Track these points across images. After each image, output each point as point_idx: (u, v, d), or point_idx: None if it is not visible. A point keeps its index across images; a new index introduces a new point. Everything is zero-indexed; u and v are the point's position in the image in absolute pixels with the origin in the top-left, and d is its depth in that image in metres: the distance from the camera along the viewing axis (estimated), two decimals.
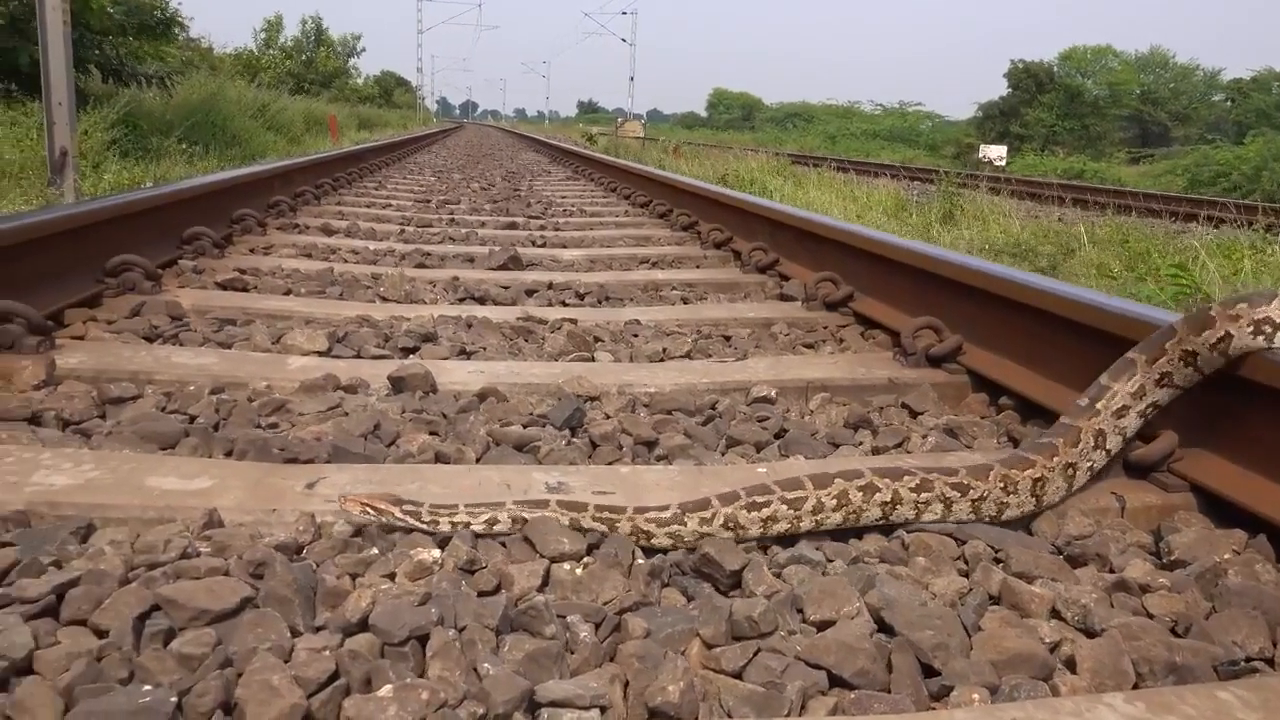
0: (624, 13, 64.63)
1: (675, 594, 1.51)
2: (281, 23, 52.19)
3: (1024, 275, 2.61)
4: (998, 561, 1.60)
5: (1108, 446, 1.84)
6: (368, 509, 1.59)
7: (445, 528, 1.60)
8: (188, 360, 2.57)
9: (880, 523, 1.71)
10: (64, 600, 1.34)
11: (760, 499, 1.63)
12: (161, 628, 1.29)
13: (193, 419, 2.16)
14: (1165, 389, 1.87)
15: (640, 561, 1.54)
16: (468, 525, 1.60)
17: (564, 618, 1.36)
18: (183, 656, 1.22)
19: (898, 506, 1.69)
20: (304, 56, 53.26)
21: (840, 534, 1.71)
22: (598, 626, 1.36)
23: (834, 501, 1.66)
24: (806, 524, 1.66)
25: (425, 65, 73.58)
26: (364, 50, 60.52)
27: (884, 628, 1.37)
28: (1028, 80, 60.23)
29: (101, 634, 1.29)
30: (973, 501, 1.72)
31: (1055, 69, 60.76)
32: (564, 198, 8.67)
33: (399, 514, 1.60)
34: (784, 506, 1.64)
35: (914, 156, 37.91)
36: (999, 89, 61.42)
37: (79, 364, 2.45)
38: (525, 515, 1.61)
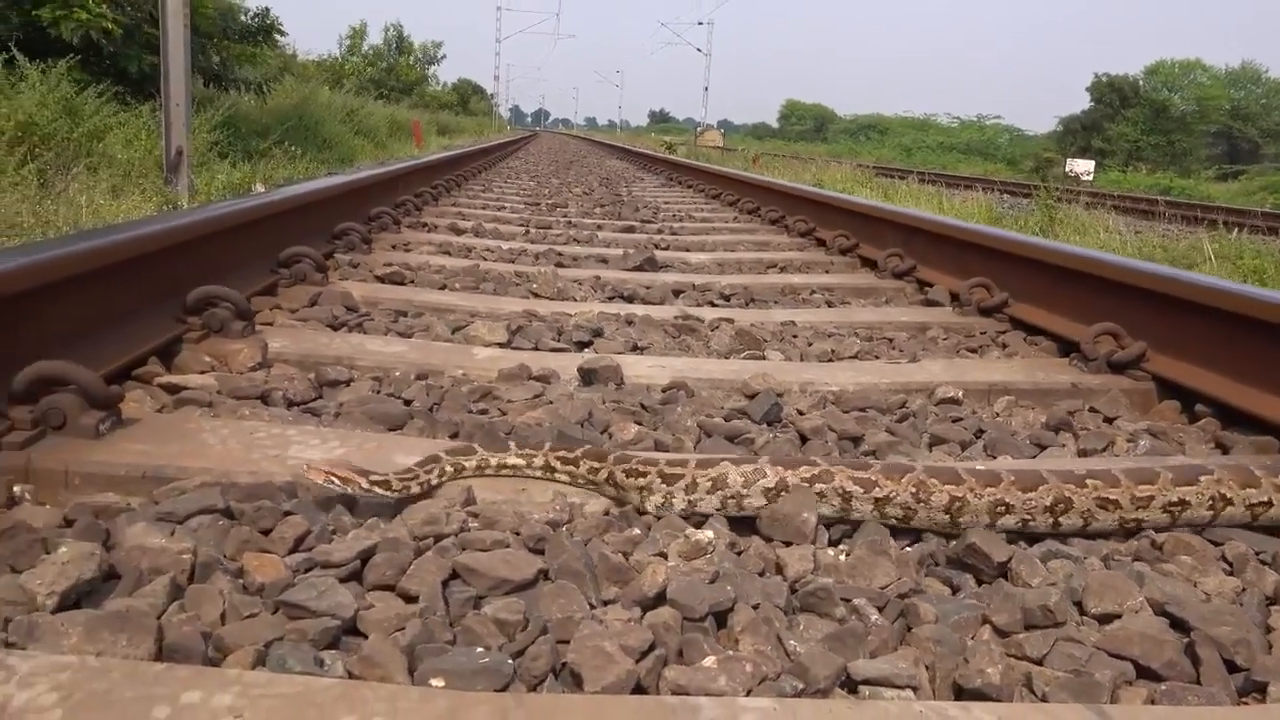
0: (700, 23, 64.69)
1: (935, 583, 1.51)
2: (365, 30, 53.31)
3: (1224, 282, 2.57)
4: (1263, 563, 1.58)
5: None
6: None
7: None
8: (382, 348, 2.64)
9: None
10: (367, 565, 1.39)
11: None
12: (468, 595, 1.34)
13: (408, 402, 2.22)
14: None
15: (909, 549, 1.56)
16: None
17: (849, 600, 1.37)
18: (499, 622, 1.27)
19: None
20: (384, 64, 54.24)
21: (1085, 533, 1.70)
22: (881, 609, 1.37)
23: None
24: None
25: (501, 74, 74.44)
26: (444, 58, 61.51)
27: (1174, 623, 1.36)
28: (1111, 94, 58.99)
29: (410, 599, 1.34)
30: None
31: (1140, 83, 59.42)
32: (667, 203, 8.71)
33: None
34: None
35: (995, 170, 37.31)
36: (1080, 103, 60.24)
37: (283, 348, 2.54)
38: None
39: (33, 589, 1.25)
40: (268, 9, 16.81)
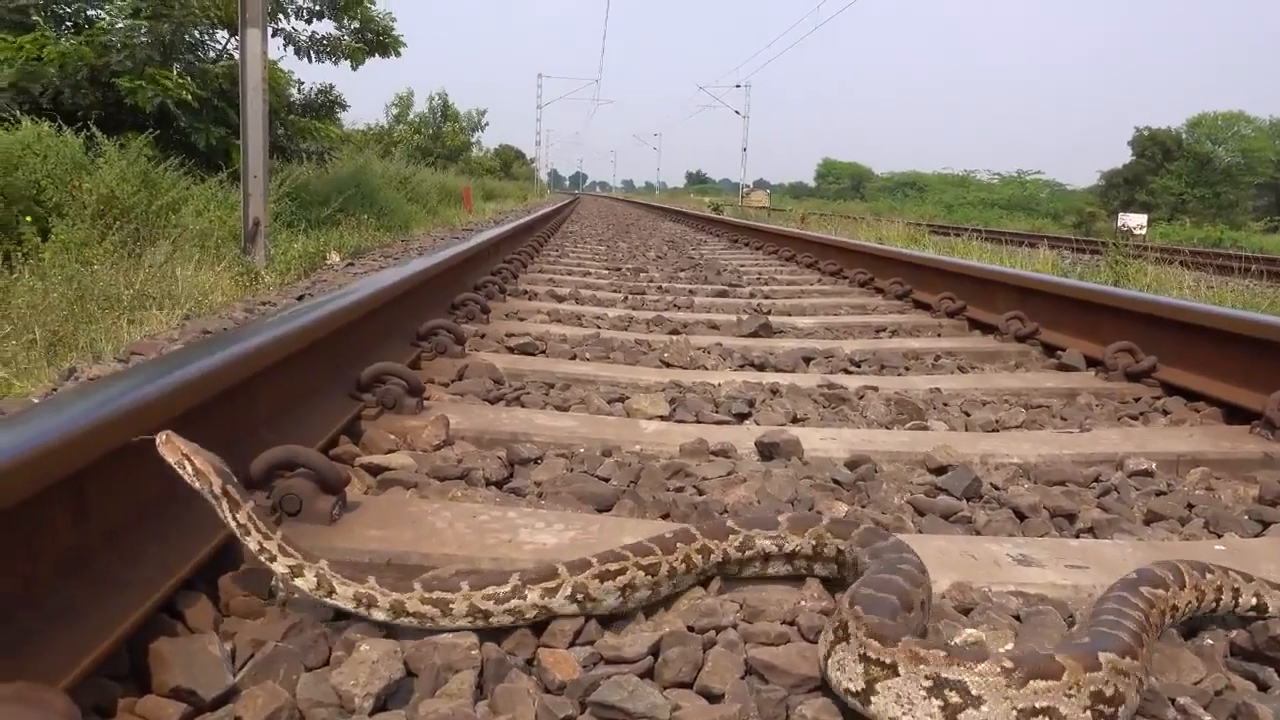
0: (738, 85, 65.55)
1: (1236, 678, 1.43)
2: (412, 98, 54.57)
3: None
4: None
5: None
6: (185, 462, 1.39)
7: (254, 543, 1.39)
8: (551, 423, 2.62)
9: None
10: (659, 661, 1.34)
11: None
12: (776, 695, 1.28)
13: (605, 480, 2.19)
14: None
15: (1208, 642, 1.48)
16: (273, 559, 1.39)
17: (1174, 700, 1.30)
18: None
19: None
20: (430, 131, 55.41)
21: None
22: (1206, 708, 1.30)
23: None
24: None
25: (542, 139, 75.76)
26: (488, 125, 62.78)
27: None
28: (1154, 147, 58.79)
29: (712, 698, 1.29)
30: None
31: (1183, 136, 59.17)
32: (743, 266, 8.71)
33: (217, 488, 1.38)
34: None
35: (1041, 225, 37.16)
36: (1122, 157, 60.15)
37: (459, 425, 2.52)
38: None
39: (348, 690, 1.21)
40: (331, 85, 17.24)
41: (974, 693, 1.12)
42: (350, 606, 1.39)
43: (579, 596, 1.44)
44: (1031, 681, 1.12)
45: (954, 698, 1.12)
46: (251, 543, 1.40)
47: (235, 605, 1.47)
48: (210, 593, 1.49)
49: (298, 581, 1.40)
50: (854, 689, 1.19)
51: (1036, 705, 1.12)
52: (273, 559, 1.39)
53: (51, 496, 1.23)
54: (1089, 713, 1.14)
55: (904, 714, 1.15)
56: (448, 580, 1.43)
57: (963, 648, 1.31)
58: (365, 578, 1.40)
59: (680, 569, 1.54)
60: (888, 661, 1.16)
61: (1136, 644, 1.24)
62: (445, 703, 1.21)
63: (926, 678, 1.13)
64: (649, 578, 1.49)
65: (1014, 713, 1.11)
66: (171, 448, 1.40)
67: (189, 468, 1.39)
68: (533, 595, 1.41)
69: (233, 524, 1.40)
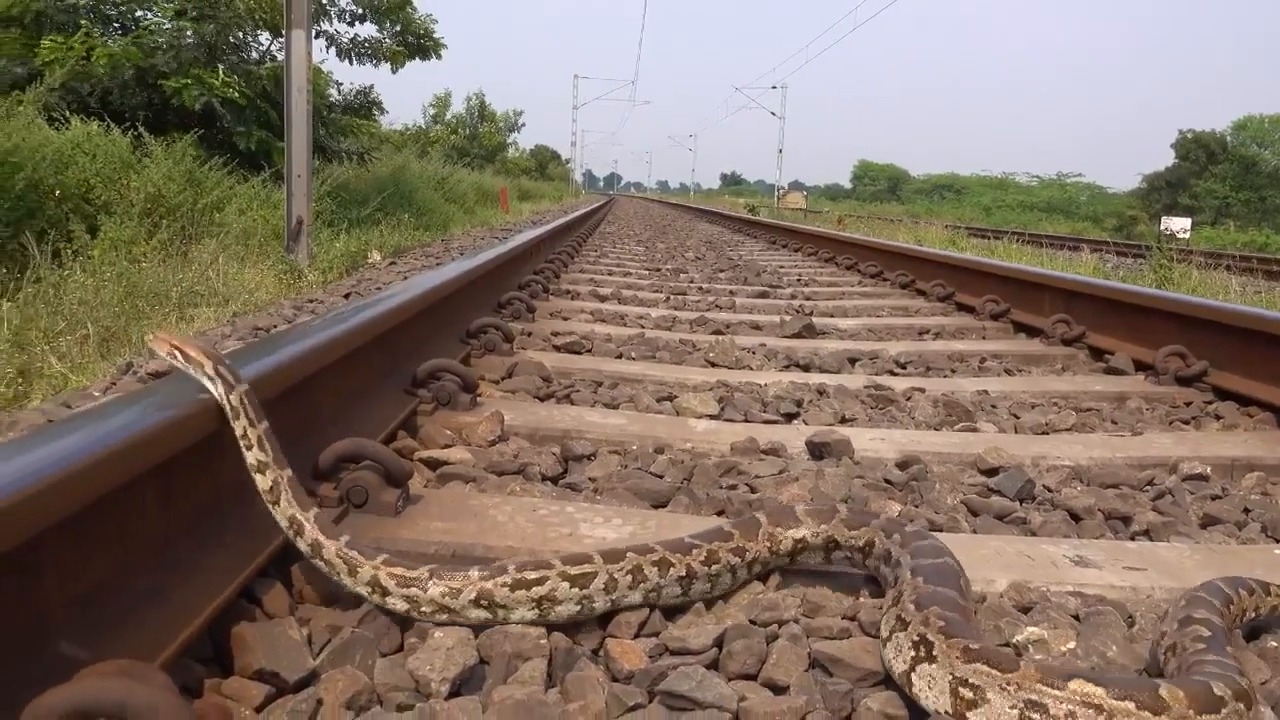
0: (774, 87, 65.38)
1: None
2: (449, 99, 54.94)
3: None
4: None
5: None
6: (176, 351, 1.44)
7: (239, 428, 1.43)
8: (601, 420, 2.65)
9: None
10: (724, 652, 1.36)
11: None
12: (841, 688, 1.29)
13: (659, 477, 2.21)
14: None
15: (1272, 644, 1.48)
16: (250, 448, 1.43)
17: None
18: (886, 716, 1.23)
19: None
20: (467, 131, 55.73)
21: None
22: (1274, 708, 1.30)
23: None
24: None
25: (577, 139, 76.03)
26: (524, 125, 63.13)
27: None
28: (1197, 150, 57.88)
29: (777, 689, 1.31)
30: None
31: (1228, 139, 58.23)
32: (782, 268, 8.71)
33: (210, 369, 1.42)
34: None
35: (1082, 228, 36.80)
36: (1164, 159, 59.32)
37: (512, 421, 2.56)
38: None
39: (424, 675, 1.25)
40: (371, 85, 17.40)
41: (934, 654, 1.24)
42: (284, 525, 1.43)
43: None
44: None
45: (921, 653, 1.25)
46: (238, 427, 1.43)
47: (308, 593, 1.51)
48: (284, 580, 1.54)
49: (256, 477, 1.44)
50: (884, 634, 1.35)
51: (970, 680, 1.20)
52: (250, 448, 1.43)
53: (143, 484, 1.27)
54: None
55: (894, 657, 1.30)
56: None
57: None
58: (310, 505, 1.43)
59: (625, 581, 1.45)
60: (906, 620, 1.31)
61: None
62: (518, 689, 1.24)
63: (916, 634, 1.28)
64: (576, 590, 1.42)
65: (949, 679, 1.21)
66: (161, 342, 1.45)
67: (180, 357, 1.43)
68: (434, 590, 1.37)
69: (226, 406, 1.43)
